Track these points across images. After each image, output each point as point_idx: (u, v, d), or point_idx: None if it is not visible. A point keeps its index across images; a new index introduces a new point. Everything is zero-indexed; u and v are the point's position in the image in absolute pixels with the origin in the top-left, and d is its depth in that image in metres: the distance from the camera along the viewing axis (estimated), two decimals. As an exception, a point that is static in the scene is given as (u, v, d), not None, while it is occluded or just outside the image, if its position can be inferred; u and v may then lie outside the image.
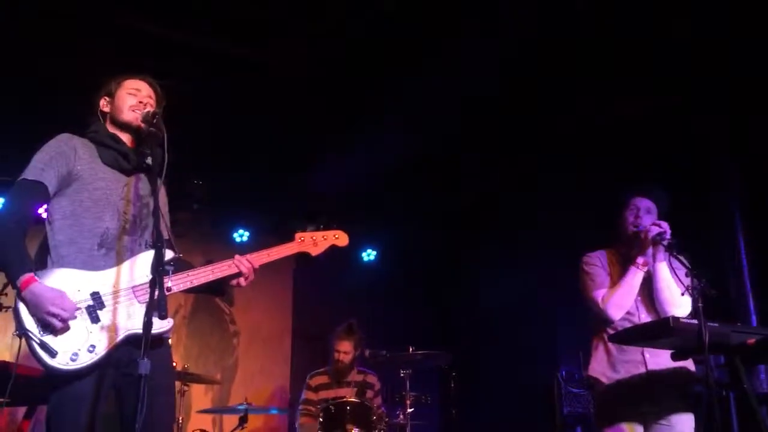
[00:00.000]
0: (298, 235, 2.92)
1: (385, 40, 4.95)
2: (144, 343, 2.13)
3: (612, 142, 5.60)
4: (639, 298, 3.32)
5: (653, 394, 3.18)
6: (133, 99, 2.73)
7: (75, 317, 2.38)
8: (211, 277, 2.63)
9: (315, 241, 2.94)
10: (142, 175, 2.73)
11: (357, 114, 5.71)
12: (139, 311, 2.46)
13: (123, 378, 2.49)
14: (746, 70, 4.76)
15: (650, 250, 3.28)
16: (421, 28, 4.82)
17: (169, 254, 2.49)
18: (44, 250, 2.60)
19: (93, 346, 2.38)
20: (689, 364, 3.19)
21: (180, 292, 2.63)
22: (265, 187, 6.65)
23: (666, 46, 4.76)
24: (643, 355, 3.21)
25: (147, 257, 2.55)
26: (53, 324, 2.34)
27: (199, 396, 6.38)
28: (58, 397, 2.41)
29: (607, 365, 3.28)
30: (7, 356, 5.03)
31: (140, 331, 2.36)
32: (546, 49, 4.91)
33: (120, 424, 2.51)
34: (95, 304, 2.44)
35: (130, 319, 2.46)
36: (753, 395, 2.95)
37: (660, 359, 3.22)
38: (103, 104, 2.78)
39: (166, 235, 2.65)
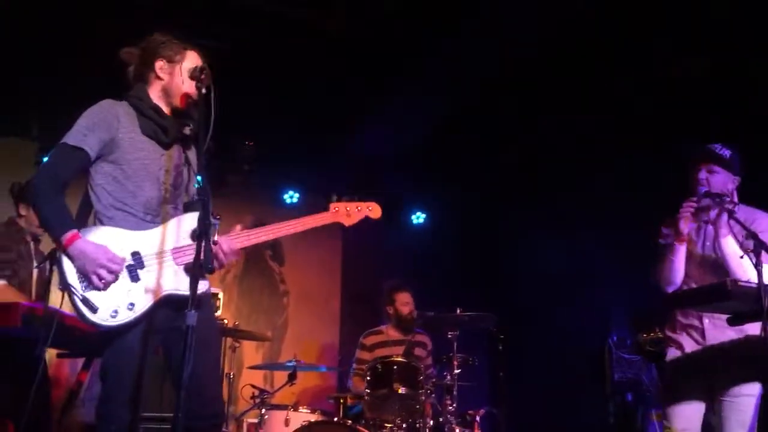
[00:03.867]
0: (332, 206, 2.97)
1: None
2: (191, 295, 2.16)
3: (662, 102, 5.41)
4: (704, 268, 3.22)
5: (718, 368, 3.11)
6: (190, 84, 2.68)
7: (120, 272, 2.44)
8: (273, 236, 2.71)
9: (349, 212, 2.99)
10: (181, 148, 2.75)
11: (404, 71, 5.63)
12: (176, 272, 2.52)
13: (170, 334, 2.56)
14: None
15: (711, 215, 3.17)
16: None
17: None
18: (86, 209, 2.66)
19: (132, 304, 2.44)
20: (751, 329, 3.07)
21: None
22: (315, 148, 6.66)
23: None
24: (702, 324, 3.13)
25: (184, 220, 2.60)
26: (102, 277, 2.40)
27: (251, 353, 6.52)
28: (111, 350, 2.49)
29: (676, 340, 3.24)
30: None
31: (179, 291, 2.48)
32: (586, 7, 4.74)
33: (169, 376, 2.58)
34: (135, 263, 2.49)
35: (168, 281, 2.51)
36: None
37: (719, 329, 3.12)
38: (160, 67, 2.73)
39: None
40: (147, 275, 2.49)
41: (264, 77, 5.72)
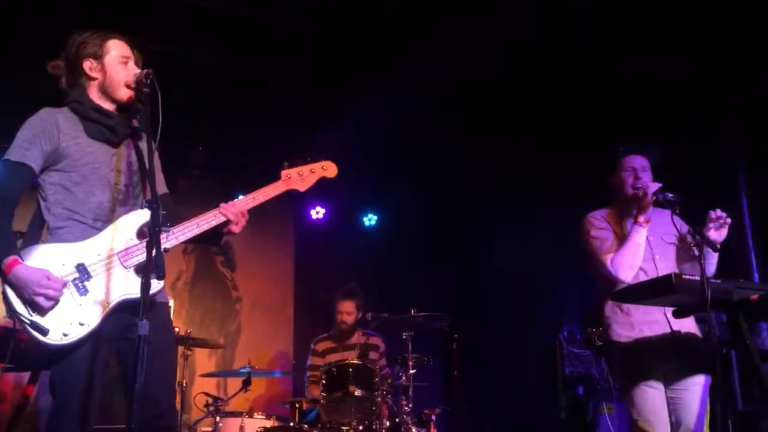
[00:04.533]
0: (284, 173, 2.84)
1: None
2: (142, 304, 2.12)
3: (619, 102, 5.54)
4: (657, 256, 3.31)
5: (676, 354, 3.18)
6: (126, 70, 2.62)
7: (62, 293, 2.37)
8: (197, 231, 2.58)
9: (302, 177, 2.86)
10: (131, 142, 2.67)
11: (355, 75, 5.63)
12: (126, 276, 2.46)
13: (124, 342, 2.49)
14: (753, 29, 4.67)
15: (651, 208, 3.26)
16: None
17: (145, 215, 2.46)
18: (39, 223, 2.58)
19: (82, 321, 2.38)
20: (690, 327, 3.20)
21: (179, 253, 2.61)
22: (265, 152, 6.59)
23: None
24: (666, 315, 3.20)
25: (127, 220, 2.53)
26: (40, 303, 2.33)
27: (203, 360, 6.42)
28: (60, 365, 2.42)
29: (628, 326, 3.26)
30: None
31: (130, 296, 2.42)
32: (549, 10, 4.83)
33: (124, 386, 2.52)
34: (81, 276, 2.42)
35: (119, 286, 2.44)
36: (755, 352, 2.95)
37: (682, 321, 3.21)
38: (89, 68, 2.63)
39: (162, 191, 2.64)
40: (95, 285, 2.42)
41: (214, 80, 5.65)
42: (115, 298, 2.43)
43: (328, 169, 2.96)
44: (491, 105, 6.05)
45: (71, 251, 2.44)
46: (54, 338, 2.33)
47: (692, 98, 5.21)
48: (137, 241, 2.50)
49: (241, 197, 2.69)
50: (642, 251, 3.25)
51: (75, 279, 2.41)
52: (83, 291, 2.40)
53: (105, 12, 4.62)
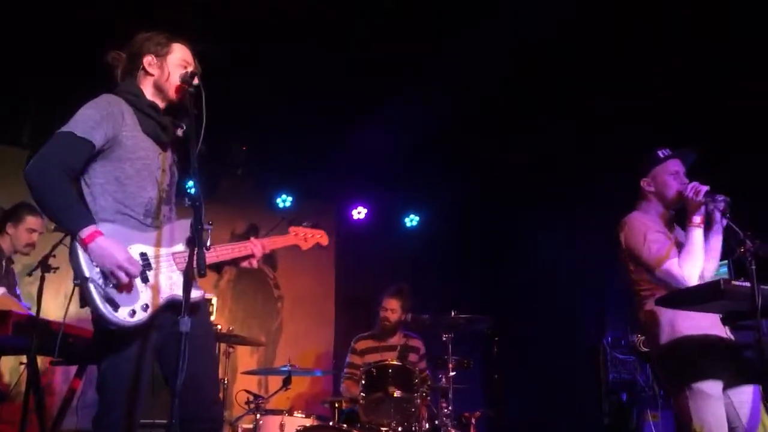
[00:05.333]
0: (291, 229, 3.15)
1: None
2: (184, 300, 2.16)
3: (663, 103, 5.44)
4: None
5: (731, 360, 3.09)
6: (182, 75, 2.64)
7: (138, 274, 2.40)
8: (232, 255, 2.78)
9: (305, 237, 3.16)
10: (172, 144, 2.74)
11: (398, 75, 5.62)
12: (177, 276, 2.51)
13: (165, 339, 2.52)
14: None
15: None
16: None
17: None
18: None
19: (146, 305, 2.41)
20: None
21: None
22: (306, 151, 6.65)
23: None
24: (718, 319, 3.08)
25: (178, 226, 2.60)
26: (120, 278, 2.33)
27: (245, 358, 6.49)
28: (109, 357, 2.45)
29: (686, 328, 3.11)
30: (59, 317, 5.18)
31: (177, 296, 2.44)
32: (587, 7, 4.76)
33: (167, 382, 2.56)
34: (144, 264, 2.45)
35: (171, 284, 2.50)
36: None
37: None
38: (149, 63, 2.67)
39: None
40: (154, 277, 2.47)
41: (257, 80, 5.70)
42: (169, 294, 2.48)
43: (322, 238, 3.24)
44: (534, 102, 5.98)
45: (135, 238, 2.47)
46: (122, 315, 2.33)
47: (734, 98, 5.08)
48: (186, 248, 2.54)
49: (264, 239, 2.93)
50: (702, 252, 3.15)
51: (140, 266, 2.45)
52: (145, 279, 2.44)
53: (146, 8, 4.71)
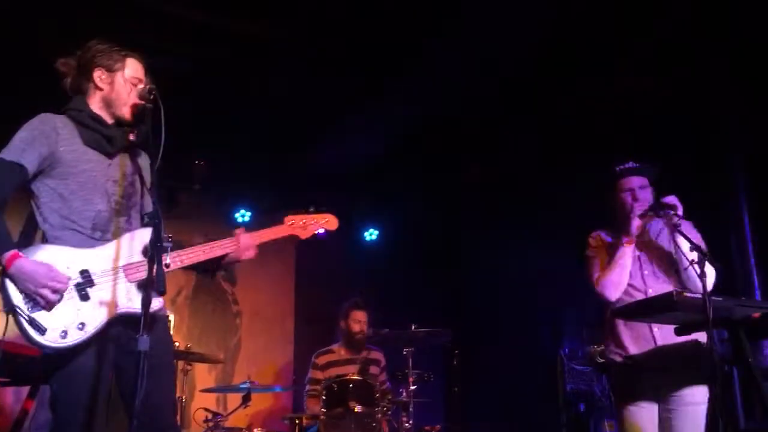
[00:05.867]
0: (287, 218, 2.94)
1: (389, 11, 4.87)
2: (143, 319, 2.12)
3: (618, 119, 5.56)
4: (645, 272, 3.31)
5: (665, 369, 3.16)
6: (134, 92, 2.62)
7: (67, 288, 2.35)
8: (203, 257, 2.62)
9: (304, 225, 2.96)
10: (128, 155, 2.66)
11: (357, 92, 5.65)
12: (129, 290, 2.45)
13: (123, 357, 2.47)
14: (753, 39, 4.70)
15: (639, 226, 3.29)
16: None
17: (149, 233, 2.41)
18: (31, 229, 2.56)
19: (83, 324, 2.35)
20: (700, 335, 3.15)
21: (178, 269, 2.60)
22: (266, 166, 6.62)
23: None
24: (651, 330, 3.21)
25: (136, 236, 2.52)
26: (46, 297, 2.30)
27: (203, 375, 6.39)
28: (61, 376, 2.39)
29: (620, 344, 3.27)
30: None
31: (129, 310, 2.41)
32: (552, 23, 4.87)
33: (123, 403, 2.50)
34: (84, 281, 2.40)
35: (120, 298, 2.43)
36: (757, 369, 2.94)
37: (669, 332, 3.21)
38: (99, 77, 2.63)
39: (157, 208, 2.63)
40: (97, 293, 2.40)
41: (216, 94, 5.67)
42: (117, 311, 2.42)
43: (329, 221, 3.06)
44: (491, 117, 6.07)
45: (77, 256, 2.43)
46: (50, 338, 2.30)
47: (691, 112, 5.23)
48: (142, 258, 2.48)
49: (237, 229, 2.74)
50: (627, 270, 3.28)
51: (78, 284, 2.39)
52: (85, 297, 2.39)
53: (101, 22, 4.64)
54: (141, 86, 2.63)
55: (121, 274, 2.46)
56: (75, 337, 2.34)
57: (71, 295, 2.37)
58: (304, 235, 2.96)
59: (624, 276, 3.28)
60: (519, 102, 5.78)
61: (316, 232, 3.00)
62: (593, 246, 3.46)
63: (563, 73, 5.36)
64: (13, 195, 2.49)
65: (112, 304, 2.41)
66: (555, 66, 5.29)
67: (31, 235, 2.54)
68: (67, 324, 2.33)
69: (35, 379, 3.81)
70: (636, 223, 3.26)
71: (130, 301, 2.44)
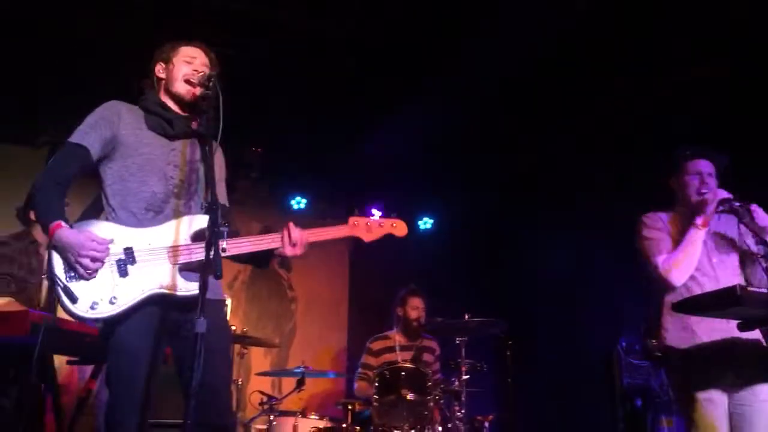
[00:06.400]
0: (352, 219, 2.86)
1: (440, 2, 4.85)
2: (201, 302, 2.16)
3: (672, 106, 5.41)
4: (714, 260, 3.20)
5: (738, 363, 3.05)
6: (188, 68, 2.72)
7: (105, 257, 2.42)
8: (251, 248, 2.61)
9: (369, 227, 2.88)
10: (195, 141, 2.72)
11: (412, 78, 5.63)
12: (169, 272, 2.48)
13: (180, 341, 2.54)
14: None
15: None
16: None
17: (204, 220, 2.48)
18: (95, 209, 2.68)
19: (115, 298, 2.42)
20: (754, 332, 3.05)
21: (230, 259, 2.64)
22: (321, 154, 6.67)
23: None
24: (728, 322, 3.08)
25: (190, 220, 2.56)
26: (85, 265, 2.38)
27: (259, 359, 6.52)
28: (111, 352, 2.48)
29: (685, 331, 3.13)
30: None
31: (166, 291, 2.46)
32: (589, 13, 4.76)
33: (181, 383, 2.56)
34: (126, 258, 2.47)
35: (159, 278, 2.48)
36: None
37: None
38: (159, 70, 2.79)
39: (221, 201, 2.69)
40: (136, 271, 2.46)
41: (271, 83, 5.73)
42: (151, 289, 2.46)
43: (398, 227, 2.95)
44: (543, 106, 5.98)
45: (124, 233, 2.51)
46: (81, 308, 2.38)
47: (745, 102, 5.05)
48: (189, 242, 2.53)
49: (304, 230, 2.70)
50: (697, 254, 3.14)
51: (119, 260, 2.46)
52: (123, 273, 2.45)
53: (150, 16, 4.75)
54: (199, 70, 2.70)
55: (164, 255, 2.51)
56: (105, 310, 2.40)
57: (111, 270, 2.45)
58: (367, 238, 2.88)
59: (695, 260, 3.13)
60: (565, 88, 5.68)
61: (381, 236, 2.90)
62: (653, 227, 3.29)
63: (603, 60, 5.26)
64: (86, 181, 2.62)
65: (149, 283, 2.46)
66: (596, 53, 5.19)
67: (92, 216, 2.63)
68: (99, 296, 2.41)
69: (100, 359, 3.94)
70: (712, 207, 3.11)
71: (168, 281, 2.48)
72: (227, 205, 2.86)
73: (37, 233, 4.29)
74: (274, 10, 4.98)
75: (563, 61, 5.35)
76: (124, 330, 2.45)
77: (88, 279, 2.40)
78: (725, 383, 3.05)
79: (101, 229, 2.50)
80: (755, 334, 3.08)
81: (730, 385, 3.05)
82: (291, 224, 2.67)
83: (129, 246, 2.49)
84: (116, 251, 2.47)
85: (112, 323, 2.46)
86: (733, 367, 3.05)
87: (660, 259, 3.18)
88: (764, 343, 3.10)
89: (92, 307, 2.39)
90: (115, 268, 2.45)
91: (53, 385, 3.78)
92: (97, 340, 3.64)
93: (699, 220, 3.15)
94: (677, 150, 3.39)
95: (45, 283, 4.13)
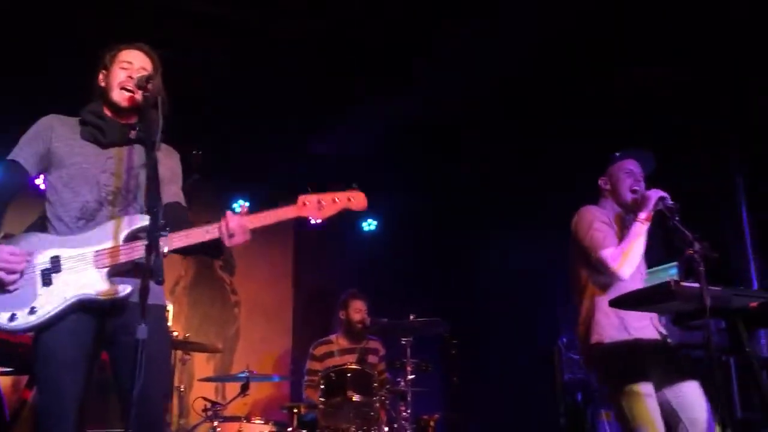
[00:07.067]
0: (301, 198, 2.60)
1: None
2: (142, 308, 2.10)
3: (616, 110, 5.56)
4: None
5: (664, 361, 3.17)
6: (124, 74, 2.65)
7: (21, 269, 2.40)
8: (187, 242, 2.49)
9: (321, 205, 2.60)
10: (137, 147, 2.66)
11: (356, 79, 5.64)
12: (96, 276, 2.44)
13: (116, 347, 2.49)
14: (745, 33, 4.69)
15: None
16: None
17: (144, 220, 2.46)
18: (38, 222, 2.65)
19: (33, 309, 2.39)
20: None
21: (178, 257, 2.60)
22: (264, 156, 6.61)
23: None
24: (652, 321, 3.21)
25: (117, 223, 2.51)
26: (2, 278, 2.37)
27: (201, 365, 6.41)
28: (38, 361, 2.44)
29: (619, 328, 3.22)
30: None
31: (89, 296, 2.42)
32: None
33: (118, 392, 2.50)
34: (51, 267, 2.44)
35: (83, 284, 2.44)
36: (755, 359, 2.94)
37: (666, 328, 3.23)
38: (101, 79, 2.73)
39: (172, 200, 2.70)
40: (60, 279, 2.43)
41: (214, 83, 5.66)
42: (75, 296, 2.42)
43: (355, 200, 2.65)
44: (490, 110, 6.06)
45: (52, 243, 2.49)
46: (1, 320, 2.37)
47: (689, 105, 5.23)
48: (121, 244, 2.48)
49: (241, 204, 2.67)
50: (642, 248, 3.23)
51: (45, 269, 2.44)
52: (48, 282, 2.43)
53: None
54: (134, 76, 2.63)
55: (90, 259, 2.46)
56: (22, 321, 2.38)
57: (34, 280, 2.42)
58: (319, 216, 2.61)
59: (640, 253, 3.22)
60: (515, 100, 5.78)
61: (335, 212, 2.62)
62: (601, 220, 3.34)
63: (566, 64, 5.37)
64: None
65: (73, 290, 2.42)
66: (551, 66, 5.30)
67: (36, 229, 2.61)
68: (18, 307, 2.38)
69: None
70: (652, 202, 3.19)
71: (92, 286, 2.43)
72: (182, 203, 2.83)
73: None
74: (215, 6, 4.92)
75: (517, 69, 5.43)
76: (50, 338, 2.41)
77: (9, 291, 2.39)
78: (653, 376, 3.15)
79: (29, 240, 2.49)
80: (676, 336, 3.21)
81: (657, 379, 3.16)
82: (228, 213, 2.52)
83: (56, 255, 2.46)
84: (42, 261, 2.45)
85: (39, 331, 2.42)
86: (660, 363, 3.17)
87: (608, 252, 3.22)
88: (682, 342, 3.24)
89: (11, 319, 2.37)
90: (39, 278, 2.43)
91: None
92: (27, 348, 3.54)
93: (643, 215, 3.23)
94: (610, 155, 3.50)
95: None
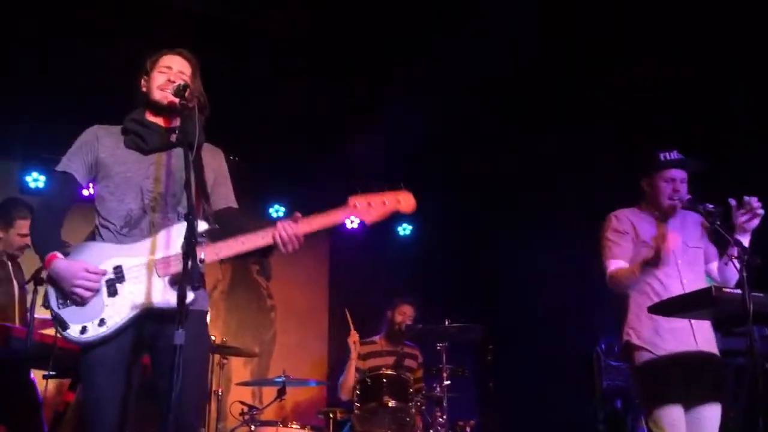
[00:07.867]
0: (351, 199, 2.53)
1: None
2: (179, 314, 2.13)
3: (655, 108, 5.48)
4: (680, 261, 3.24)
5: (700, 374, 3.11)
6: (163, 77, 2.69)
7: (98, 287, 2.44)
8: (242, 249, 2.49)
9: (371, 207, 2.52)
10: (178, 151, 2.66)
11: (392, 84, 5.65)
12: (161, 285, 2.46)
13: (157, 352, 2.52)
14: (745, 32, 4.60)
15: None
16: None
17: (203, 225, 2.47)
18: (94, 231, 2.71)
19: (103, 320, 2.43)
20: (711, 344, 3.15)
21: (224, 260, 2.62)
22: (299, 161, 6.65)
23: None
24: (691, 324, 3.13)
25: (171, 232, 2.53)
26: (79, 294, 2.42)
27: (239, 369, 6.48)
28: (83, 363, 2.49)
29: (653, 332, 3.18)
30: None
31: (157, 305, 2.45)
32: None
33: (157, 396, 2.53)
34: (116, 277, 2.47)
35: (150, 294, 2.46)
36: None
37: (703, 330, 3.15)
38: (142, 84, 2.76)
39: (225, 205, 2.75)
40: (126, 289, 2.46)
41: (249, 90, 5.71)
42: (143, 307, 2.45)
43: (404, 202, 2.57)
44: (526, 108, 6.02)
45: (113, 251, 2.51)
46: (72, 333, 2.43)
47: (689, 105, 5.15)
48: (176, 252, 2.47)
49: (282, 217, 2.66)
50: (638, 281, 3.21)
51: (109, 279, 2.47)
52: (113, 293, 2.46)
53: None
54: (174, 79, 2.67)
55: (153, 270, 2.48)
56: (94, 333, 2.43)
57: (100, 291, 2.46)
58: (368, 218, 2.53)
59: (633, 285, 3.23)
60: (547, 91, 5.75)
61: (385, 214, 2.54)
62: (619, 229, 3.35)
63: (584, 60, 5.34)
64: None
65: (139, 300, 2.45)
66: (576, 55, 5.27)
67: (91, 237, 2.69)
68: (89, 319, 2.43)
69: (76, 372, 3.90)
70: (665, 255, 3.03)
71: (160, 296, 2.45)
72: (233, 206, 2.85)
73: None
74: (245, 14, 4.97)
75: (545, 60, 5.38)
76: (95, 345, 2.45)
77: (84, 305, 2.45)
78: (684, 392, 3.10)
79: (88, 250, 2.54)
80: (712, 347, 3.15)
81: (687, 396, 3.11)
82: (279, 224, 2.50)
83: (118, 264, 2.49)
84: (107, 269, 2.48)
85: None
86: (691, 377, 3.11)
87: (612, 264, 3.28)
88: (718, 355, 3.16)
89: (81, 332, 2.42)
90: (104, 288, 2.47)
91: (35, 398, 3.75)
92: (70, 353, 3.62)
93: (653, 261, 3.08)
94: (654, 151, 3.43)
95: (17, 294, 4.07)
